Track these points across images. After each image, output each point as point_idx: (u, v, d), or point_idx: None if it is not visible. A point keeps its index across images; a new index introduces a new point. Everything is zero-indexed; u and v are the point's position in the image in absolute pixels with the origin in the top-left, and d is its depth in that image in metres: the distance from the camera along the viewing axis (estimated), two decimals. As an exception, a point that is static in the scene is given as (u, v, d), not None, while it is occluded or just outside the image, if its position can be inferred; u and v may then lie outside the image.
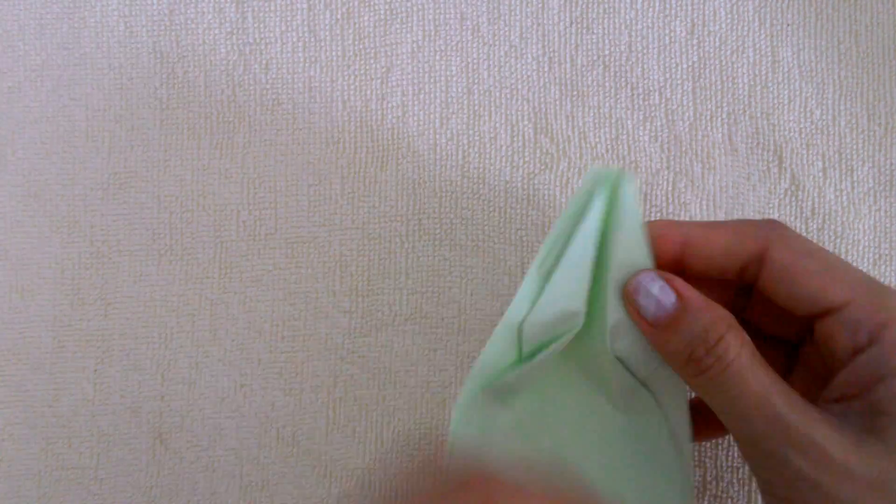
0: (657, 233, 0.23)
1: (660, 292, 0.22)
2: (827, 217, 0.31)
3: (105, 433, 0.31)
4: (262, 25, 0.32)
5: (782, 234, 0.23)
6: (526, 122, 0.31)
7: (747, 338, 0.22)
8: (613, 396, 0.25)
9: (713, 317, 0.22)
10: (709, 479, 0.29)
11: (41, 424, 0.31)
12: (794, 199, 0.31)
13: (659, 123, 0.31)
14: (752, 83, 0.31)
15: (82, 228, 0.32)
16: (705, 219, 0.31)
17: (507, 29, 0.32)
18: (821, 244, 0.31)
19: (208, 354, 0.31)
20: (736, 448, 0.29)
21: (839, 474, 0.20)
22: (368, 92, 0.32)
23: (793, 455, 0.20)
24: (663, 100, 0.31)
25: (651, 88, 0.31)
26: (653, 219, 0.31)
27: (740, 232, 0.23)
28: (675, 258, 0.23)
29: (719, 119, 0.31)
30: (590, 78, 0.32)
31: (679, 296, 0.22)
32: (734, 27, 0.31)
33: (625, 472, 0.26)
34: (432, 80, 0.32)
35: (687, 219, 0.31)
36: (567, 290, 0.23)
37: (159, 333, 0.32)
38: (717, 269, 0.23)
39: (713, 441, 0.29)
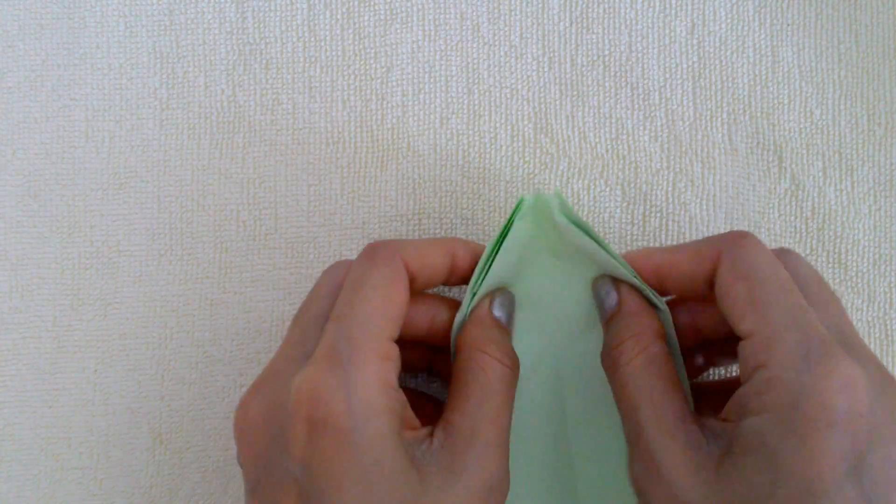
0: (636, 266, 0.25)
1: (606, 295, 0.26)
2: (827, 217, 0.31)
3: (105, 433, 0.31)
4: (262, 25, 0.32)
5: (734, 253, 0.23)
6: (526, 122, 0.31)
7: (656, 348, 0.24)
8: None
9: (630, 322, 0.25)
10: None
11: (41, 425, 0.31)
12: (794, 199, 0.31)
13: (659, 123, 0.31)
14: (752, 83, 0.31)
15: (82, 228, 0.32)
16: (705, 218, 0.31)
17: (507, 29, 0.32)
18: (821, 244, 0.31)
19: (208, 354, 0.31)
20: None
21: (666, 496, 0.21)
22: (368, 92, 0.32)
23: (637, 465, 0.22)
24: (663, 100, 0.31)
25: (651, 88, 0.31)
26: (652, 220, 0.31)
27: (699, 253, 0.24)
28: (656, 286, 0.25)
29: (719, 119, 0.31)
30: (590, 78, 0.32)
31: (619, 300, 0.25)
32: (734, 27, 0.31)
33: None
34: (432, 80, 0.32)
35: (687, 219, 0.31)
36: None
37: (159, 333, 0.32)
38: (690, 291, 0.25)
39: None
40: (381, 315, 0.22)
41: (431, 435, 0.22)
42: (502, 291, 0.26)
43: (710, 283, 0.24)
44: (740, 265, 0.23)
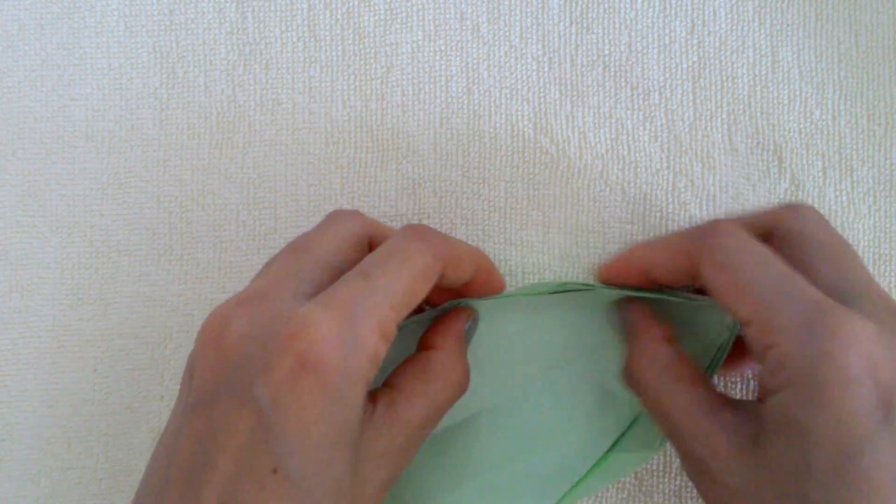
0: (624, 273, 0.26)
1: (615, 319, 0.28)
2: (827, 217, 0.31)
3: (105, 433, 0.31)
4: (262, 25, 0.32)
5: (709, 245, 0.23)
6: (526, 122, 0.31)
7: (664, 354, 0.25)
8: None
9: (635, 337, 0.26)
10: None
11: (41, 424, 0.31)
12: (793, 199, 0.31)
13: (659, 123, 0.31)
14: (752, 83, 0.31)
15: (82, 228, 0.32)
16: (705, 218, 0.31)
17: (507, 29, 0.32)
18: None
19: (208, 354, 0.31)
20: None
21: (713, 485, 0.22)
22: (368, 92, 0.32)
23: (688, 469, 0.23)
24: (663, 100, 0.31)
25: (651, 88, 0.31)
26: (652, 219, 0.31)
27: (672, 250, 0.24)
28: (650, 282, 0.26)
29: (719, 119, 0.31)
30: (590, 78, 0.32)
31: (624, 319, 0.27)
32: (734, 27, 0.31)
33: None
34: (432, 80, 0.32)
35: (686, 219, 0.31)
36: None
37: (159, 333, 0.32)
38: (676, 282, 0.25)
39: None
40: (404, 299, 0.22)
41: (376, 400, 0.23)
42: (473, 315, 0.27)
43: (695, 275, 0.24)
44: (717, 257, 0.23)
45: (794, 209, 0.25)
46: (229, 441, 0.19)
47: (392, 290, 0.22)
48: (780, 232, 0.24)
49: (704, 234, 0.24)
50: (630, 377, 0.26)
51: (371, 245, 0.25)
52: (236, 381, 0.20)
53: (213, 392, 0.20)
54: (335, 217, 0.25)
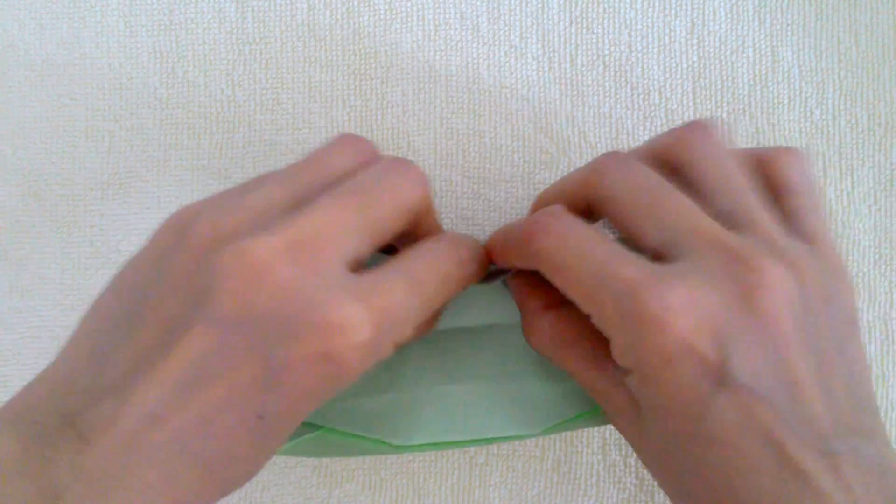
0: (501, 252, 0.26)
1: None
2: (827, 217, 0.31)
3: (105, 433, 0.31)
4: (262, 25, 0.32)
5: (537, 233, 0.23)
6: (526, 122, 0.31)
7: (548, 318, 0.24)
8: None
9: (518, 298, 0.26)
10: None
11: (41, 424, 0.31)
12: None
13: (659, 123, 0.31)
14: (752, 83, 0.31)
15: (82, 228, 0.32)
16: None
17: (507, 29, 0.32)
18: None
19: (208, 354, 0.31)
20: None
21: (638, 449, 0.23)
22: (368, 92, 0.32)
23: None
24: (663, 100, 0.31)
25: (651, 88, 0.31)
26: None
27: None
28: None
29: (719, 119, 0.31)
30: (590, 78, 0.32)
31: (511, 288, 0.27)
32: (734, 27, 0.31)
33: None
34: (432, 80, 0.32)
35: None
36: None
37: (159, 333, 0.32)
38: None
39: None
40: (428, 316, 0.23)
41: None
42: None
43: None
44: (541, 246, 0.23)
45: (685, 139, 0.24)
46: (230, 373, 0.19)
47: (428, 308, 0.22)
48: (675, 163, 0.24)
49: (534, 221, 0.23)
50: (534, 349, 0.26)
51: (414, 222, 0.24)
52: (258, 327, 0.19)
53: (230, 320, 0.19)
54: (403, 173, 0.23)
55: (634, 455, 0.31)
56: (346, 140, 0.24)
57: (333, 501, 0.31)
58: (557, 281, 0.22)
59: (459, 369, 0.27)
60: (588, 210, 0.24)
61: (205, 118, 0.32)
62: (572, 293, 0.22)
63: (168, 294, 0.21)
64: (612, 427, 0.28)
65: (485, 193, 0.31)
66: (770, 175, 0.23)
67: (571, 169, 0.31)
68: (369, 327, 0.20)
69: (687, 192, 0.22)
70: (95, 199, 0.32)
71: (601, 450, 0.31)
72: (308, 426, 0.26)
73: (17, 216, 0.32)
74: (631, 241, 0.22)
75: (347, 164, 0.24)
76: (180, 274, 0.21)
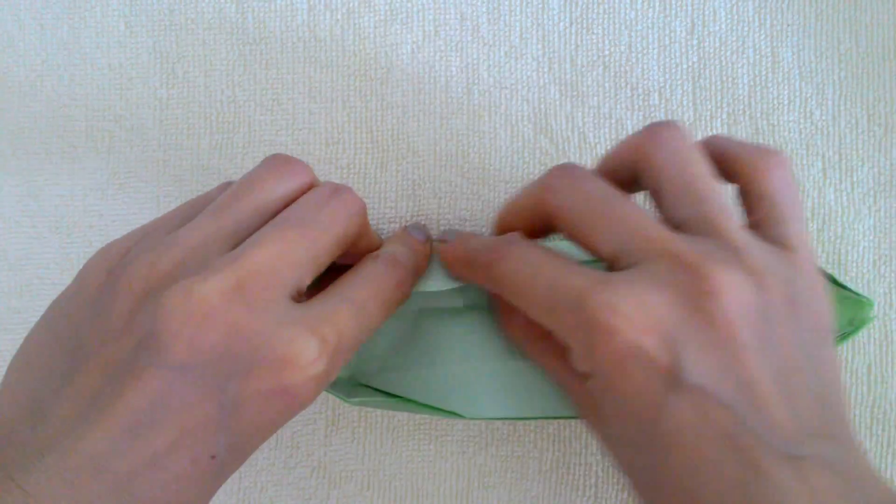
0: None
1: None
2: (827, 217, 0.31)
3: (105, 433, 0.31)
4: (262, 25, 0.32)
5: (496, 259, 0.24)
6: (526, 122, 0.31)
7: (518, 316, 0.26)
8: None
9: (498, 298, 0.27)
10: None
11: (41, 424, 0.31)
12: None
13: (659, 124, 0.31)
14: (752, 83, 0.31)
15: (82, 228, 0.32)
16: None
17: (507, 29, 0.32)
18: (820, 245, 0.31)
19: (208, 354, 0.31)
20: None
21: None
22: (368, 92, 0.32)
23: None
24: (663, 100, 0.31)
25: (651, 88, 0.31)
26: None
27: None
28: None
29: (719, 119, 0.31)
30: (590, 78, 0.32)
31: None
32: (734, 27, 0.31)
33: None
34: (432, 80, 0.32)
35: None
36: None
37: (159, 333, 0.32)
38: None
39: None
40: (375, 328, 0.23)
41: None
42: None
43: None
44: (501, 270, 0.23)
45: (643, 146, 0.23)
46: (182, 416, 0.19)
47: (370, 330, 0.23)
48: (634, 171, 0.24)
49: (497, 245, 0.24)
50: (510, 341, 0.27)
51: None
52: (210, 367, 0.20)
53: (180, 363, 0.19)
54: (343, 201, 0.24)
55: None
56: (279, 162, 0.24)
57: (333, 501, 0.31)
58: (519, 303, 0.23)
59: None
60: (547, 224, 0.24)
61: (205, 118, 0.32)
62: (533, 312, 0.22)
63: (109, 338, 0.20)
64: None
65: (484, 194, 0.31)
66: (746, 180, 0.23)
67: (571, 169, 0.31)
68: (322, 358, 0.20)
69: (653, 199, 0.23)
70: (95, 199, 0.32)
71: (600, 451, 0.31)
72: (382, 394, 0.28)
73: (17, 216, 0.32)
74: (589, 252, 0.23)
75: (283, 190, 0.24)
76: (120, 317, 0.20)
